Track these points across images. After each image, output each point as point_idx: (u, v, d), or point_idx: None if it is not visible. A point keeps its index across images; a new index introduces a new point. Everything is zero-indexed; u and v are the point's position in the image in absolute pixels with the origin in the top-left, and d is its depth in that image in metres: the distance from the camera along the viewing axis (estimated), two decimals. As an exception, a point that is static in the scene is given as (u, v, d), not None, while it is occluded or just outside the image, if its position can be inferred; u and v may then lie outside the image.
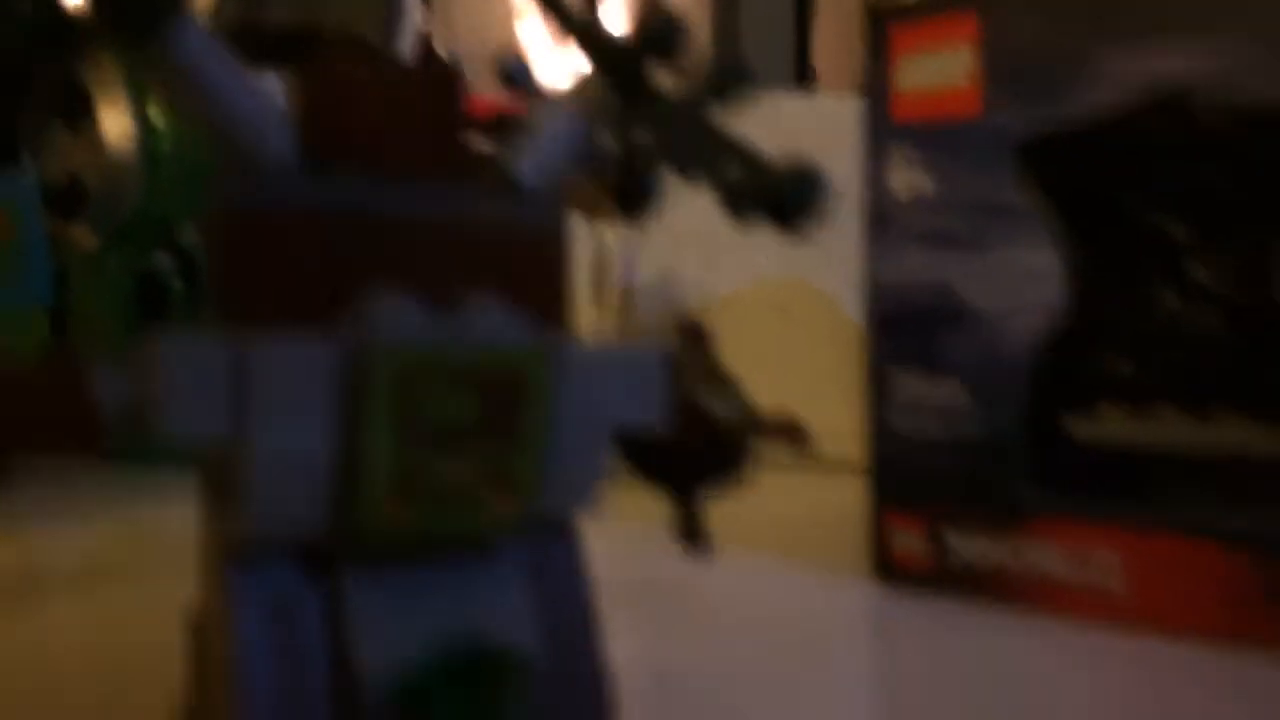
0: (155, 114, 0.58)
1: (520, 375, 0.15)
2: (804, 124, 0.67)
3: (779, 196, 0.18)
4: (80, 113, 0.58)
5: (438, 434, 0.15)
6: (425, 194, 0.17)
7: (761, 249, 0.69)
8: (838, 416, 0.66)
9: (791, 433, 0.22)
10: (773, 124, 0.67)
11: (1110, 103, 0.28)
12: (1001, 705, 0.20)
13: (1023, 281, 0.29)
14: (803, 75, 1.18)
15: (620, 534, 0.39)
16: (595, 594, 0.17)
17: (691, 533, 0.22)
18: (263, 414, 0.14)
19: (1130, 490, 0.29)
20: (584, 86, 0.19)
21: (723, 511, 0.45)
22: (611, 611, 0.27)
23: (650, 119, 0.19)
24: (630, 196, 0.22)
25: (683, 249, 0.69)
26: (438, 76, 0.19)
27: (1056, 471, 0.29)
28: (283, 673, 0.15)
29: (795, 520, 0.45)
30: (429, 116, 0.18)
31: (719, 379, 0.22)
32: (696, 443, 0.22)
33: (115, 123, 0.57)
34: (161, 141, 0.59)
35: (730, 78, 0.19)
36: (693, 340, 0.23)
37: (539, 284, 0.18)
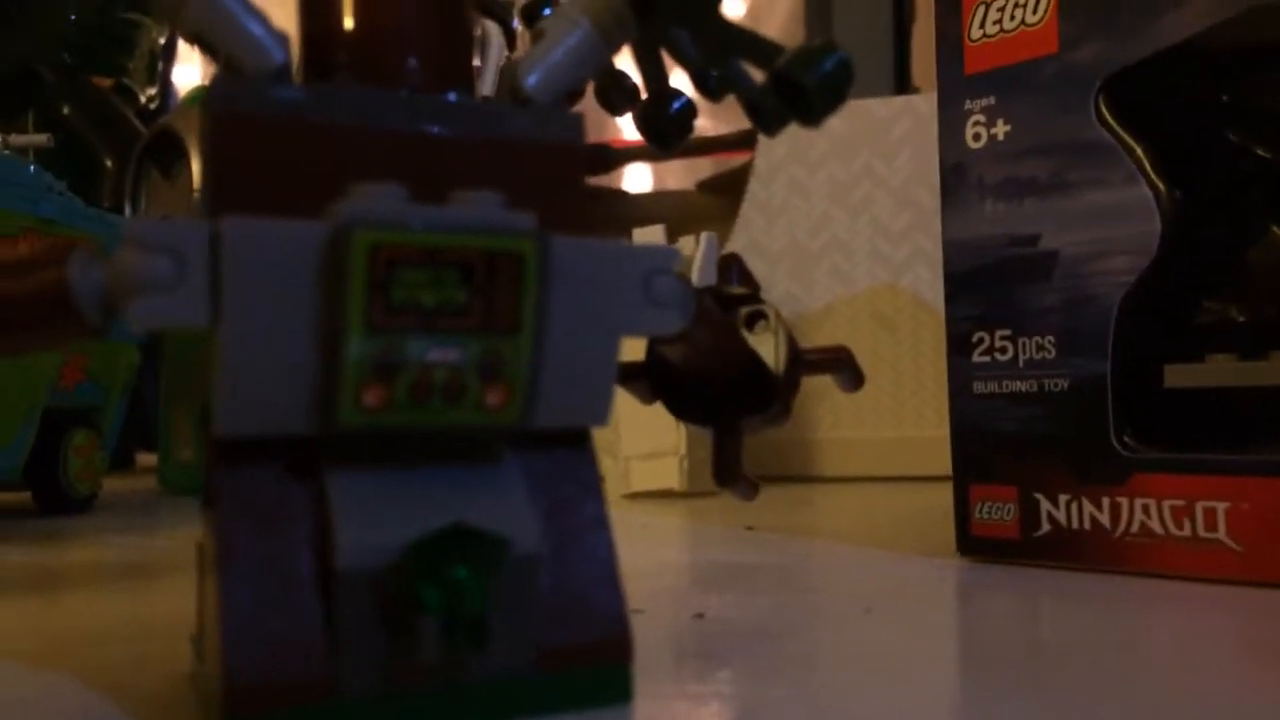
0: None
1: (507, 259, 0.15)
2: (900, 125, 0.65)
3: (795, 80, 0.16)
4: (175, 162, 0.61)
5: (421, 319, 0.14)
6: (425, 105, 0.17)
7: (853, 256, 0.67)
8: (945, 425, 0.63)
9: (837, 363, 0.20)
10: (868, 126, 0.65)
11: (1200, 23, 0.26)
12: (1101, 662, 0.18)
13: (1112, 223, 0.27)
14: (903, 86, 1.16)
15: (730, 530, 0.38)
16: (607, 507, 0.16)
17: (731, 471, 0.20)
18: (239, 297, 0.14)
19: (1235, 437, 0.26)
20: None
21: (826, 516, 0.43)
22: (710, 584, 0.26)
23: (662, 24, 0.18)
24: (659, 123, 0.21)
25: (772, 264, 0.68)
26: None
27: (1154, 423, 0.27)
28: (265, 569, 0.14)
29: (892, 521, 0.43)
30: (431, 30, 0.18)
31: (761, 314, 0.21)
32: (737, 378, 0.20)
33: (205, 166, 0.60)
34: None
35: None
36: (733, 275, 0.22)
37: (544, 191, 0.17)
